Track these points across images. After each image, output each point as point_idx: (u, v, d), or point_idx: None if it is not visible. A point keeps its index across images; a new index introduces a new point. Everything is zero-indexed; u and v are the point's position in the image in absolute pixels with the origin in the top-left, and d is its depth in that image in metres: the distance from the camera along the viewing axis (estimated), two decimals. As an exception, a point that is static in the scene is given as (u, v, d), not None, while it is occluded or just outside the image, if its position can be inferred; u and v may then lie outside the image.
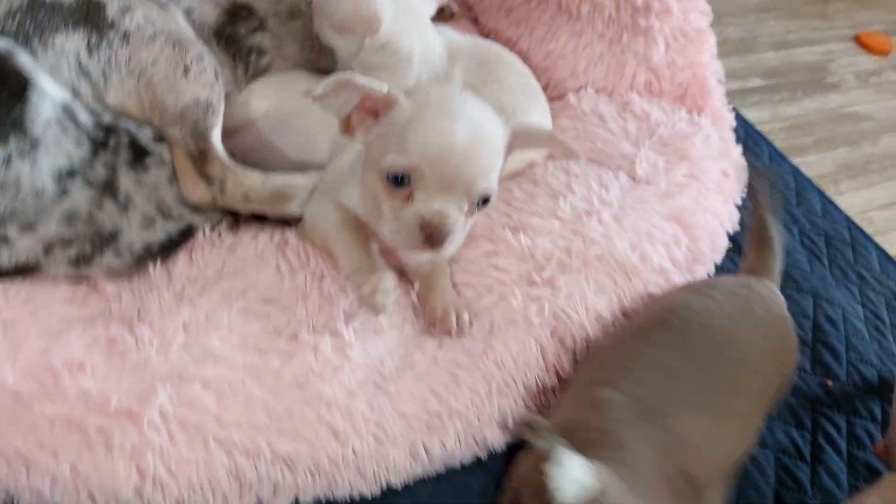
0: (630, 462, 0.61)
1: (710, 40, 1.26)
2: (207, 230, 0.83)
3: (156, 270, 0.79)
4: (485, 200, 0.76)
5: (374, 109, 0.76)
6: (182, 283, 0.78)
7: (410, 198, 0.74)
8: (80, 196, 0.75)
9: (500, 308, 0.85)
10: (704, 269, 1.04)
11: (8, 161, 0.71)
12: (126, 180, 0.78)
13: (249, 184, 0.81)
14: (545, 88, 1.21)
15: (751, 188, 0.84)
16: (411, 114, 0.74)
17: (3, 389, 0.67)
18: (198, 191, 0.80)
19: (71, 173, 0.75)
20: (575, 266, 0.88)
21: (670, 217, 0.99)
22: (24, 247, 0.74)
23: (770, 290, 0.85)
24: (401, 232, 0.74)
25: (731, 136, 1.24)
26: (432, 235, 0.73)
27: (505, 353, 0.83)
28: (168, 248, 0.82)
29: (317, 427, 0.76)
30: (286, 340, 0.78)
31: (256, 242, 0.84)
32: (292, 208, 0.86)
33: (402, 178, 0.73)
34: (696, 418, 0.68)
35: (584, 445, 0.61)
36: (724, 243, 1.09)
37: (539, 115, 1.10)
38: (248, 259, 0.82)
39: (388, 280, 0.80)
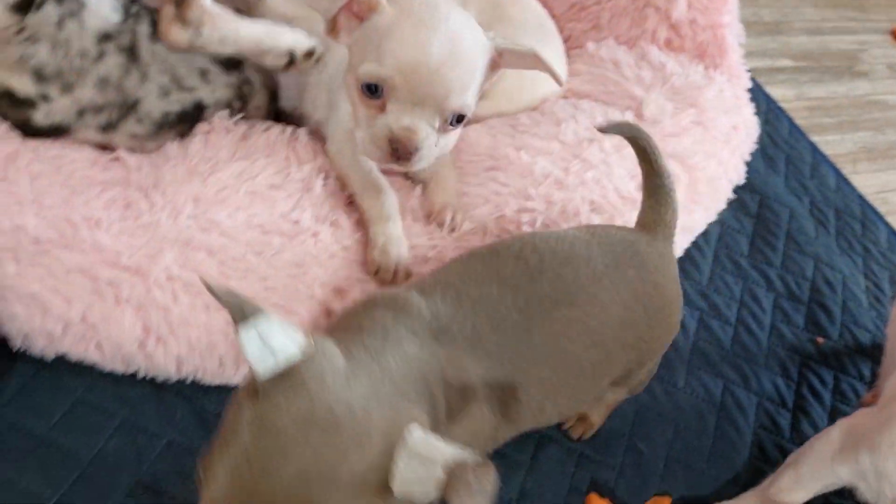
0: (380, 352, 0.56)
1: (732, 1, 1.28)
2: (224, 118, 0.88)
3: (173, 146, 0.84)
4: (459, 118, 0.76)
5: (360, 13, 0.76)
6: (196, 160, 0.83)
7: (383, 108, 0.74)
8: (112, 61, 0.81)
9: (495, 216, 0.89)
10: (703, 212, 1.07)
11: (62, 21, 0.77)
12: (145, 51, 0.83)
13: (227, 30, 0.82)
14: (567, 40, 1.24)
15: (635, 140, 0.81)
16: (392, 21, 0.73)
17: (26, 235, 0.73)
18: (173, 32, 0.81)
19: (107, 37, 0.80)
20: (571, 184, 0.91)
21: (672, 155, 1.02)
22: (61, 107, 0.80)
23: (658, 254, 0.76)
24: (372, 142, 0.75)
25: (746, 96, 1.26)
26: (398, 150, 0.73)
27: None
28: (183, 121, 0.87)
29: (310, 305, 0.80)
30: (289, 224, 0.83)
31: (269, 134, 0.89)
32: (269, 60, 0.87)
33: (375, 87, 0.73)
34: (490, 361, 0.63)
35: (338, 329, 0.61)
36: (726, 191, 1.11)
37: (552, 55, 1.13)
38: (259, 147, 0.86)
39: (396, 231, 0.83)
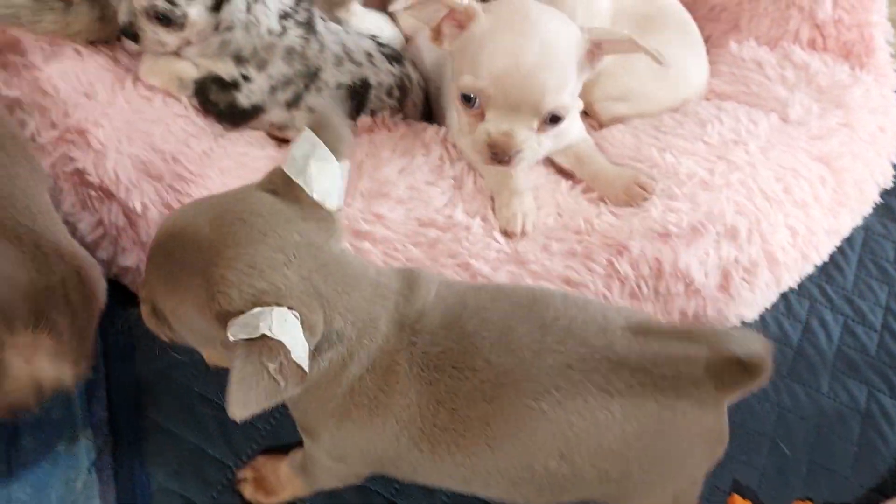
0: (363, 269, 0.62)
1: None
2: (385, 116, 0.95)
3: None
4: (557, 118, 0.79)
5: (461, 22, 0.80)
6: (362, 157, 0.89)
7: (482, 116, 0.79)
8: (293, 34, 0.92)
9: (640, 216, 0.91)
10: (849, 216, 1.05)
11: (250, 7, 0.88)
12: (320, 24, 0.95)
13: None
14: (707, 40, 1.24)
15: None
16: (486, 30, 0.77)
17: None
18: None
19: (286, 15, 0.91)
20: (717, 185, 0.92)
21: (818, 158, 1.01)
22: (258, 86, 0.91)
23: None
24: (474, 147, 0.81)
25: (893, 97, 1.22)
26: (498, 153, 0.79)
27: (640, 258, 0.89)
28: (352, 97, 0.97)
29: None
30: (443, 218, 0.88)
31: (424, 134, 0.94)
32: None
33: (473, 97, 0.78)
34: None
35: None
36: (873, 194, 1.09)
37: (693, 59, 1.14)
38: (416, 146, 0.92)
39: (527, 202, 0.88)
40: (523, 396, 0.60)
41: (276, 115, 0.94)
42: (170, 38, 0.87)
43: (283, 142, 0.95)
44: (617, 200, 0.93)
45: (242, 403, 0.49)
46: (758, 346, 0.58)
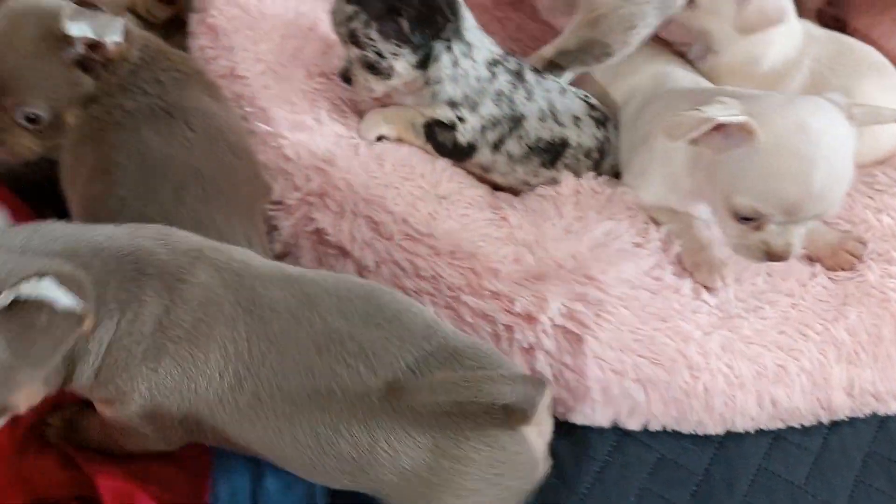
0: None
1: None
2: (589, 179, 0.98)
3: (549, 207, 0.95)
4: None
5: (733, 136, 0.79)
6: (570, 220, 0.93)
7: (759, 227, 0.81)
8: (503, 79, 0.98)
9: (856, 280, 0.89)
10: None
11: (455, 62, 0.95)
12: (529, 76, 1.00)
13: None
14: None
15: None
16: (766, 153, 0.77)
17: (443, 282, 0.87)
18: None
19: (495, 62, 0.98)
20: (940, 251, 0.89)
21: None
22: (471, 125, 0.97)
23: None
24: (744, 249, 0.84)
25: None
26: (773, 257, 0.82)
27: (857, 324, 0.87)
28: (548, 151, 1.00)
29: (675, 357, 0.87)
30: (652, 280, 0.90)
31: (626, 197, 0.97)
32: None
33: (752, 217, 0.80)
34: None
35: None
36: None
37: (892, 100, 1.10)
38: (621, 208, 0.95)
39: (717, 254, 0.89)
40: (347, 355, 0.63)
41: (483, 155, 1.00)
42: (378, 86, 0.96)
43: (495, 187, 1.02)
44: (825, 263, 0.92)
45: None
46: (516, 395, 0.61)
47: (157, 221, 0.72)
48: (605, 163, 1.04)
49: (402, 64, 0.93)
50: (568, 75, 1.07)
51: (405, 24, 0.89)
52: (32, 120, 0.83)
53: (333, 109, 0.99)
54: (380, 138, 0.99)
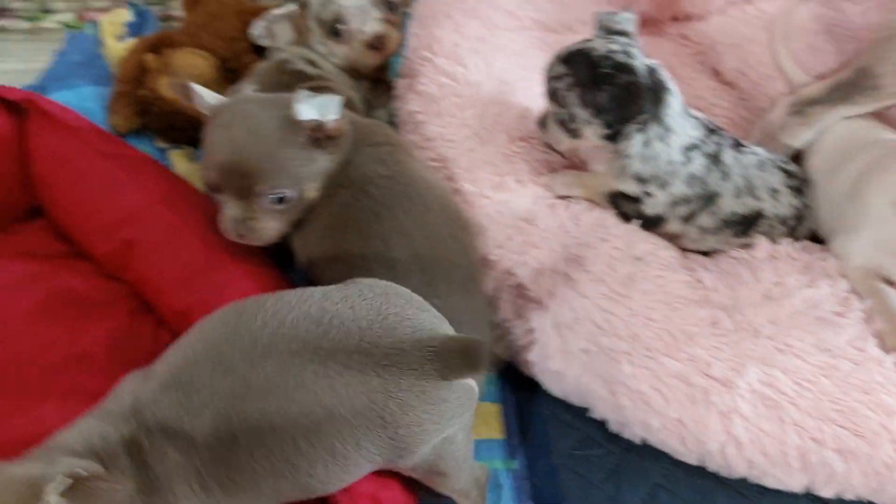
0: None
1: None
2: (786, 244, 0.99)
3: (745, 272, 0.96)
4: None
5: None
6: (768, 285, 0.94)
7: None
8: (697, 163, 0.99)
9: None
10: None
11: (648, 143, 0.97)
12: (728, 157, 1.01)
13: None
14: None
15: None
16: None
17: (640, 342, 0.90)
18: None
19: (692, 147, 0.99)
20: None
21: None
22: (659, 200, 1.00)
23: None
24: None
25: None
26: None
27: None
28: (742, 223, 1.02)
29: (877, 431, 0.85)
30: (855, 351, 0.89)
31: (827, 263, 0.97)
32: None
33: None
34: None
35: None
36: None
37: None
38: (821, 275, 0.95)
39: None
40: (258, 405, 0.68)
41: (672, 225, 1.02)
42: (564, 141, 1.01)
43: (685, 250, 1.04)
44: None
45: None
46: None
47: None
48: (802, 228, 1.04)
49: (592, 131, 0.97)
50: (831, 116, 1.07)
51: (604, 99, 0.93)
52: (279, 202, 0.91)
53: (531, 171, 1.05)
54: (565, 197, 1.04)
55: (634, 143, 0.97)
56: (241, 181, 0.89)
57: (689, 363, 0.89)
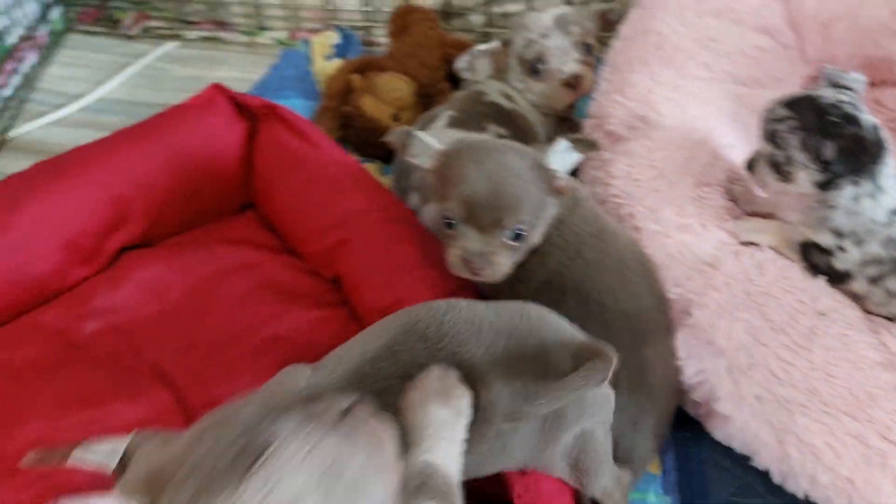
0: None
1: None
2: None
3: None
4: None
5: None
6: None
7: None
8: None
9: None
10: None
11: (857, 198, 0.97)
12: None
13: None
14: None
15: None
16: None
17: (819, 398, 0.91)
18: None
19: None
20: None
21: None
22: (851, 257, 0.99)
23: None
24: None
25: None
26: None
27: None
28: None
29: None
30: None
31: None
32: None
33: None
34: None
35: None
36: None
37: None
38: None
39: None
40: None
41: (859, 284, 1.01)
42: (772, 185, 1.01)
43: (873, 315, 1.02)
44: None
45: None
46: None
47: None
48: None
49: (806, 176, 0.97)
50: None
51: (828, 146, 0.94)
52: (517, 238, 0.94)
53: (716, 217, 1.08)
54: (750, 244, 1.06)
55: (845, 195, 0.97)
56: (493, 213, 0.92)
57: (867, 424, 0.89)
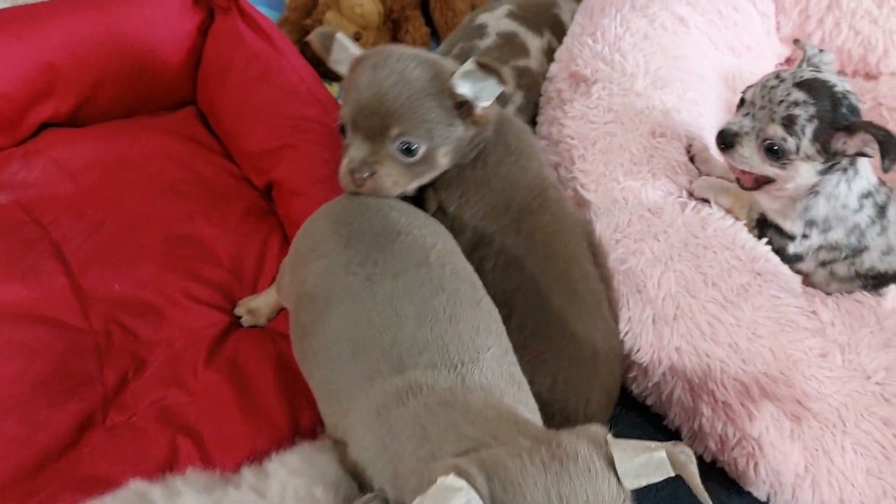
0: None
1: None
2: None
3: (869, 314, 0.92)
4: None
5: None
6: (890, 335, 0.89)
7: None
8: (865, 213, 0.94)
9: None
10: None
11: (838, 182, 0.92)
12: (892, 210, 0.95)
13: None
14: None
15: None
16: None
17: (736, 354, 0.88)
18: None
19: (868, 194, 0.94)
20: None
21: None
22: (808, 244, 0.96)
23: None
24: None
25: None
26: None
27: None
28: (876, 278, 0.97)
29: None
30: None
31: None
32: None
33: None
34: None
35: None
36: None
37: None
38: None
39: None
40: None
41: (806, 265, 0.98)
42: (761, 167, 0.92)
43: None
44: None
45: None
46: None
47: None
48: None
49: (808, 168, 0.90)
50: None
51: (843, 141, 0.87)
52: (407, 152, 0.87)
53: (668, 169, 1.04)
54: (706, 201, 1.02)
55: (832, 182, 0.92)
56: (376, 120, 0.86)
57: (785, 387, 0.86)
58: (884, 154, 0.83)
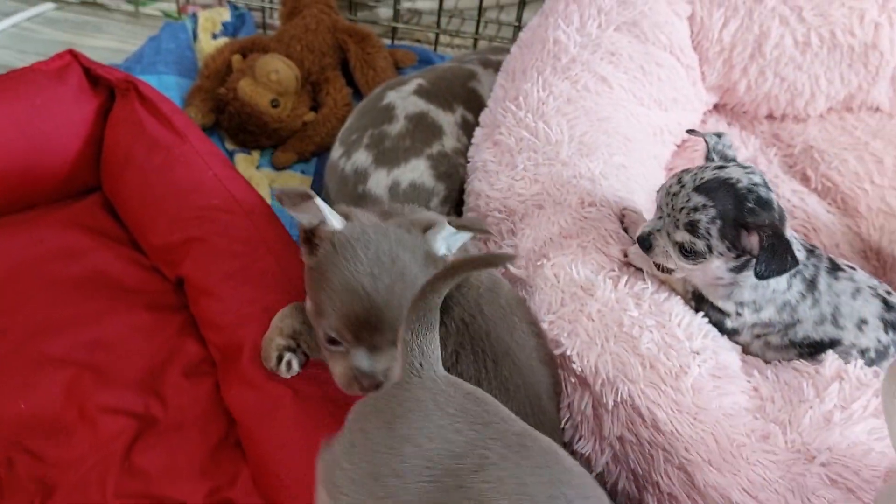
0: None
1: None
2: (858, 364, 0.91)
3: (809, 389, 0.89)
4: None
5: None
6: (830, 407, 0.87)
7: None
8: (795, 290, 0.93)
9: None
10: None
11: None
12: (823, 283, 0.94)
13: None
14: None
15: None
16: None
17: (678, 442, 0.84)
18: None
19: (794, 274, 0.92)
20: None
21: None
22: (743, 321, 0.95)
23: None
24: None
25: None
26: None
27: None
28: (812, 347, 0.95)
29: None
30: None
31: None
32: None
33: None
34: None
35: None
36: None
37: None
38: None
39: None
40: None
41: (742, 338, 0.96)
42: (678, 265, 0.91)
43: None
44: None
45: None
46: None
47: None
48: (882, 364, 0.96)
49: (721, 263, 0.89)
50: None
51: (749, 240, 0.85)
52: None
53: (599, 240, 1.00)
54: (639, 269, 0.99)
55: (751, 277, 0.89)
56: (387, 335, 0.82)
57: (731, 476, 0.82)
58: (759, 260, 0.83)
